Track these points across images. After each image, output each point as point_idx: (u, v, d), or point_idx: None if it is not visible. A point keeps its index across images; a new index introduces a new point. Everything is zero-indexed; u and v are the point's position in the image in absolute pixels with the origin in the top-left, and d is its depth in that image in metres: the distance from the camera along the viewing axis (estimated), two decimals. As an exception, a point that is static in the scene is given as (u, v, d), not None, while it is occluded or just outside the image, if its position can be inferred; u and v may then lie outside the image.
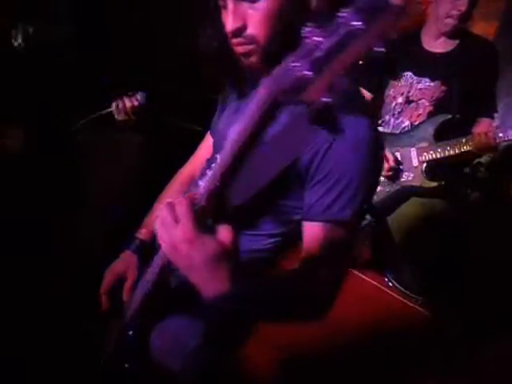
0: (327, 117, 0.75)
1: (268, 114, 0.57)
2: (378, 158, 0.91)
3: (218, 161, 0.68)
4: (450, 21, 1.82)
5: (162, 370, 1.01)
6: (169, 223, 0.67)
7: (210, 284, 0.69)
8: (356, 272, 2.55)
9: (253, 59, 0.85)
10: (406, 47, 2.00)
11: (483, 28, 3.68)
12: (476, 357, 2.08)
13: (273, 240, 1.03)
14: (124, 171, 2.02)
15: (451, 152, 1.86)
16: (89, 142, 1.97)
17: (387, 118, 2.07)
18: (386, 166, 1.94)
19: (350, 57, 0.46)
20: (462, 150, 1.83)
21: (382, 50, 0.43)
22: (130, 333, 1.01)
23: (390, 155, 1.95)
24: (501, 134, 1.76)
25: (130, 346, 1.01)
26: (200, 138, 1.30)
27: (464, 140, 1.83)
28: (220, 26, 0.88)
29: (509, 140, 1.76)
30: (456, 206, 2.17)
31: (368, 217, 2.09)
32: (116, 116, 1.75)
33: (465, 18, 1.82)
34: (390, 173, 1.96)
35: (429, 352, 2.12)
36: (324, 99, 0.48)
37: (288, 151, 0.87)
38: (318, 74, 0.48)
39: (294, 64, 0.50)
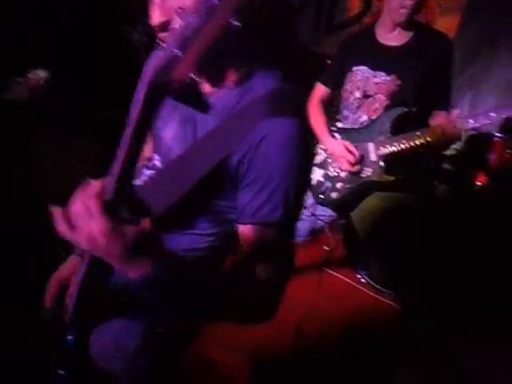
0: (194, 93, 0.75)
1: (149, 99, 0.57)
2: (306, 157, 0.92)
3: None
4: (403, 11, 1.81)
5: (103, 373, 0.99)
6: (83, 217, 0.69)
7: (133, 269, 0.75)
8: (328, 270, 2.56)
9: None
10: (360, 41, 2.01)
11: (445, 22, 3.74)
12: (447, 349, 2.09)
13: (210, 239, 1.03)
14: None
15: (407, 145, 1.84)
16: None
17: (346, 113, 2.07)
18: (351, 158, 1.93)
19: (210, 32, 0.46)
20: (418, 142, 1.81)
21: (238, 24, 0.43)
22: (70, 337, 0.99)
23: (352, 146, 1.95)
24: (471, 121, 1.71)
25: (69, 351, 0.99)
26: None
27: (419, 133, 1.82)
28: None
29: (478, 127, 1.73)
30: (421, 198, 2.18)
31: (330, 213, 2.10)
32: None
33: (418, 7, 1.82)
34: (356, 167, 1.95)
35: (400, 345, 2.12)
36: (191, 75, 0.48)
37: (217, 151, 0.87)
38: (185, 52, 0.48)
39: (166, 45, 0.50)
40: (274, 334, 2.12)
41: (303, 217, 2.15)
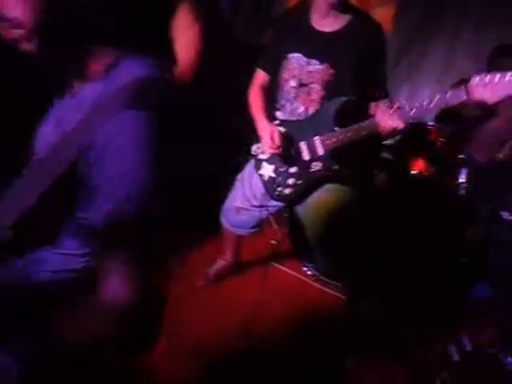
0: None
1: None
2: (154, 155, 0.88)
3: None
4: None
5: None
6: None
7: None
8: (275, 264, 2.53)
9: (26, 45, 0.80)
10: (295, 25, 1.91)
11: (380, 13, 3.81)
12: (398, 336, 2.10)
13: (81, 260, 0.96)
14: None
15: (353, 137, 1.81)
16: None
17: (283, 102, 1.98)
18: (271, 144, 1.87)
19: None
20: (364, 133, 1.78)
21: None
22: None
23: (278, 134, 1.88)
24: (411, 113, 1.68)
25: None
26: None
27: (364, 124, 1.79)
28: None
29: (416, 118, 1.72)
30: (365, 189, 2.19)
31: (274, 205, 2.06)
32: None
33: None
34: (279, 150, 1.89)
35: (349, 336, 2.12)
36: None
37: (74, 147, 0.83)
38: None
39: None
40: (221, 334, 2.06)
41: (249, 208, 2.09)
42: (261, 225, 2.20)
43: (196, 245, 2.57)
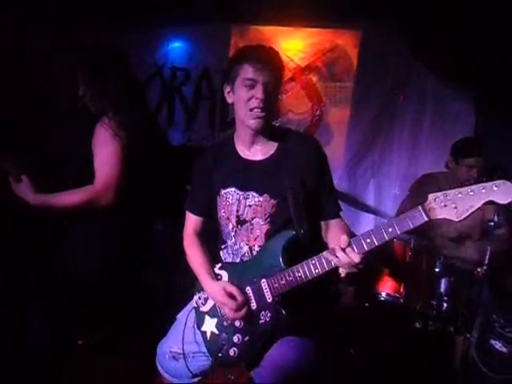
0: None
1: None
2: None
3: None
4: (254, 113, 1.55)
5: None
6: None
7: None
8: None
9: None
10: (222, 158, 1.72)
11: (335, 113, 3.77)
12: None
13: None
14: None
15: (305, 277, 1.49)
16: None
17: (227, 242, 1.72)
18: (232, 304, 1.55)
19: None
20: (316, 271, 1.47)
21: None
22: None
23: (233, 288, 1.57)
24: (369, 240, 1.39)
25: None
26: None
27: (315, 261, 1.48)
28: None
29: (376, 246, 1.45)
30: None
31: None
32: None
33: (268, 106, 1.54)
34: (241, 312, 1.56)
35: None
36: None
37: None
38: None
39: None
40: None
41: (187, 354, 1.73)
42: (205, 374, 1.81)
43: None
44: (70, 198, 1.89)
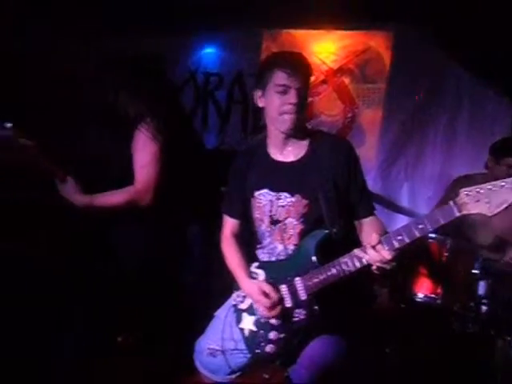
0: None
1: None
2: None
3: None
4: (285, 117, 1.60)
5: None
6: None
7: None
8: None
9: None
10: (254, 161, 1.77)
11: (368, 115, 3.75)
12: None
13: None
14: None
15: (338, 274, 1.52)
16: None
17: (261, 242, 1.77)
18: (266, 302, 1.59)
19: None
20: (350, 269, 1.50)
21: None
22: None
23: (268, 287, 1.62)
24: (399, 238, 1.39)
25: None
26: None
27: (347, 259, 1.50)
28: None
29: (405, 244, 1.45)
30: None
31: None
32: None
33: (300, 109, 1.60)
34: (274, 311, 1.61)
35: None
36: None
37: None
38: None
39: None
40: None
41: (226, 350, 1.77)
42: (243, 370, 1.84)
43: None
44: (113, 198, 1.96)
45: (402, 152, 3.63)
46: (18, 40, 3.32)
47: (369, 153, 3.62)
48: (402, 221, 3.46)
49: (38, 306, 2.31)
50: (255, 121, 4.03)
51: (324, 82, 3.76)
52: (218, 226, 1.96)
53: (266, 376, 2.21)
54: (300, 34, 3.85)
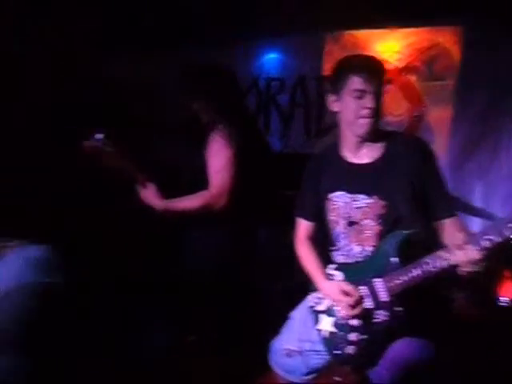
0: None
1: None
2: None
3: None
4: (362, 121, 1.61)
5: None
6: None
7: None
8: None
9: None
10: (328, 164, 1.79)
11: (436, 113, 3.63)
12: None
13: None
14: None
15: (422, 275, 1.49)
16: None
17: (337, 244, 1.77)
18: (349, 300, 1.60)
19: None
20: (434, 270, 1.47)
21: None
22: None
23: (348, 286, 1.63)
24: (488, 237, 1.36)
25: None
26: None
27: (431, 259, 1.47)
28: None
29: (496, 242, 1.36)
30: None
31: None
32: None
33: (376, 113, 1.61)
34: (357, 309, 1.61)
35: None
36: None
37: None
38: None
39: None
40: None
41: (303, 351, 1.79)
42: (319, 371, 1.85)
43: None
44: (190, 202, 2.05)
45: (475, 151, 3.47)
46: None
47: (438, 152, 3.49)
48: (475, 223, 3.32)
49: (114, 307, 2.43)
50: (318, 124, 4.03)
51: (389, 81, 3.69)
52: (284, 230, 1.99)
53: (338, 379, 2.20)
54: (362, 34, 3.81)
